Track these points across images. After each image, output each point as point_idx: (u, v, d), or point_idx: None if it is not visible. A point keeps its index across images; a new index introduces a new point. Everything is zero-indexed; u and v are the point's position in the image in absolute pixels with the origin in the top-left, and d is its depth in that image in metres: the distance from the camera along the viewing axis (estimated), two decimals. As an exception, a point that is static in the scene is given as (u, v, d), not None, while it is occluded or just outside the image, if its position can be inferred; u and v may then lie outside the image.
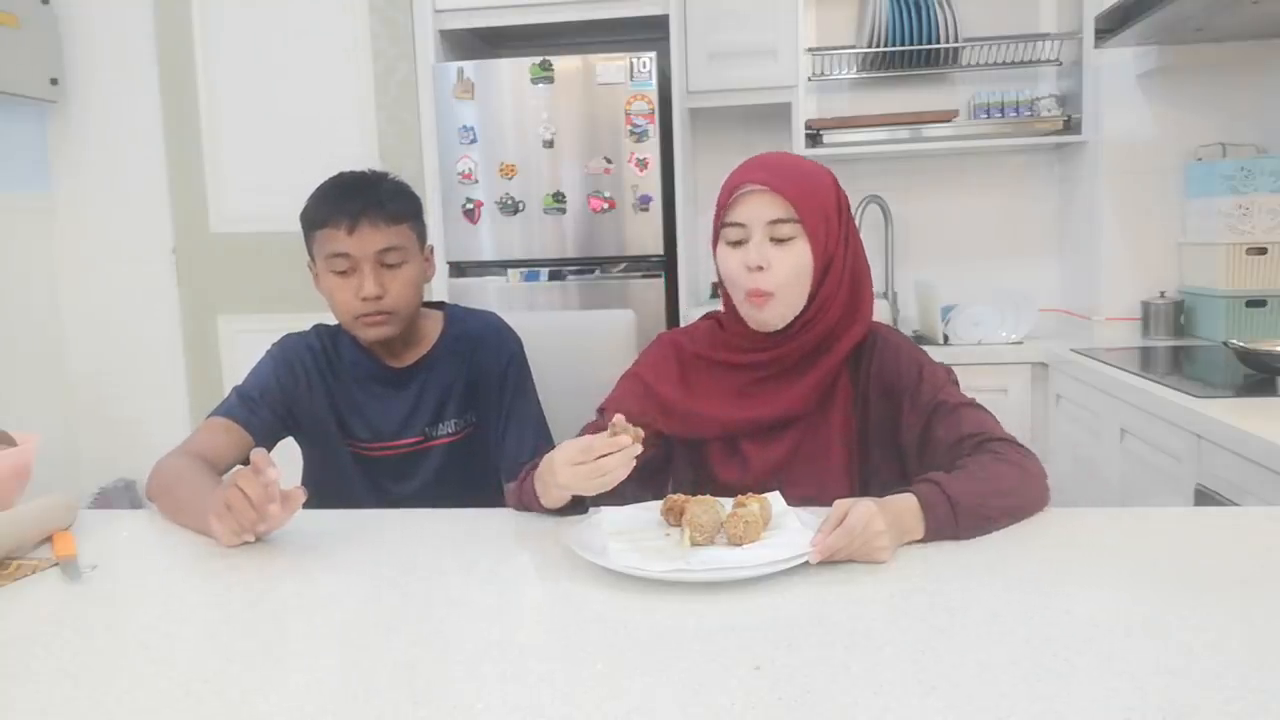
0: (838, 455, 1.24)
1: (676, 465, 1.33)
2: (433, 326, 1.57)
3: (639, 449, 1.04)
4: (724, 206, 1.22)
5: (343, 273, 1.42)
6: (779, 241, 1.18)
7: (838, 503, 0.99)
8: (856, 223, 1.28)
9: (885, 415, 1.24)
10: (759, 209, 1.18)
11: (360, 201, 1.41)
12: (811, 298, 1.22)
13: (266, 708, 0.71)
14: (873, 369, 1.25)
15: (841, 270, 1.22)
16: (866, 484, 1.25)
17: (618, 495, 1.10)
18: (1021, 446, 1.15)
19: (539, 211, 2.72)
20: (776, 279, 1.18)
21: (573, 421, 1.71)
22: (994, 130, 2.80)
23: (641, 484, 1.21)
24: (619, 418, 1.05)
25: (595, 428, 1.24)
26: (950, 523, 1.02)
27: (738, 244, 1.21)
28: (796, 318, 1.23)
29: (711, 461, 1.29)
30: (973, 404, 1.21)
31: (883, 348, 1.26)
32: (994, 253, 3.02)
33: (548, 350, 1.72)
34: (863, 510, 0.96)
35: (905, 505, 1.02)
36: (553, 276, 2.75)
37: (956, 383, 1.26)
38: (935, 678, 0.72)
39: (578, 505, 1.15)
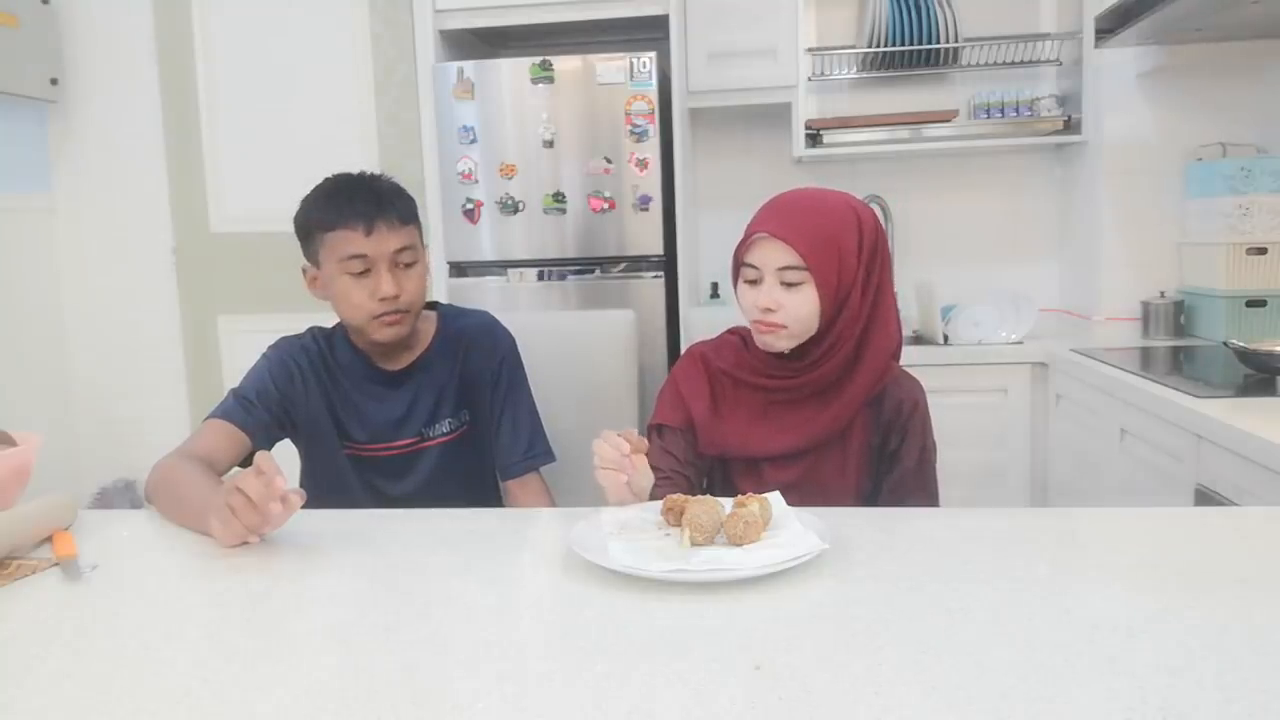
0: (849, 483, 1.31)
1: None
2: (427, 327, 1.57)
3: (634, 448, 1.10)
4: (741, 247, 1.30)
5: (359, 274, 1.43)
6: (789, 285, 1.24)
7: None
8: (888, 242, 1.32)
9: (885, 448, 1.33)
10: (770, 255, 1.25)
11: (373, 203, 1.42)
12: (827, 329, 1.27)
13: (266, 708, 0.71)
14: (885, 420, 1.32)
15: (860, 303, 1.27)
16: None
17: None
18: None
19: (539, 211, 2.72)
20: (786, 317, 1.25)
21: (572, 421, 1.72)
22: (994, 130, 2.80)
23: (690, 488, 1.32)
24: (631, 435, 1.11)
25: (656, 451, 1.32)
26: None
27: (753, 282, 1.28)
28: (814, 346, 1.28)
29: (732, 475, 1.35)
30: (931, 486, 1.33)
31: (909, 414, 1.31)
32: (994, 253, 3.02)
33: (547, 350, 1.72)
34: None
35: None
36: (554, 276, 2.75)
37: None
38: (935, 678, 0.72)
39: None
